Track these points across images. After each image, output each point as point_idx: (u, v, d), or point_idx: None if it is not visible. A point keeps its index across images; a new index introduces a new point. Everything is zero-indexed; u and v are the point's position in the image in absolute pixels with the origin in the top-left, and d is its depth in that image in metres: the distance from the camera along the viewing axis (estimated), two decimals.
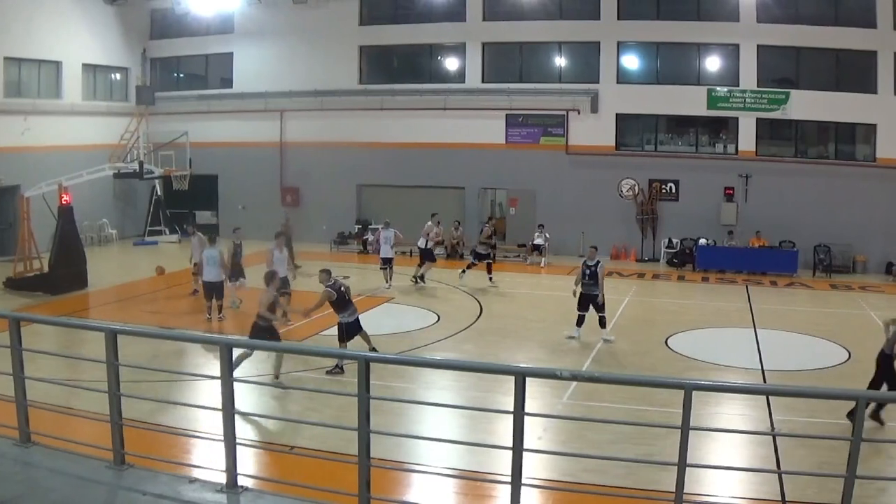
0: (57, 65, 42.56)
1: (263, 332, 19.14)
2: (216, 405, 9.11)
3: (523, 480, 8.25)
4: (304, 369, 20.42)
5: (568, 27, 41.99)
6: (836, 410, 16.34)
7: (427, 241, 34.26)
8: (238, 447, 9.15)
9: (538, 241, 39.34)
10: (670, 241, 40.98)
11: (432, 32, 44.27)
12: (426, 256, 34.22)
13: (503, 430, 8.97)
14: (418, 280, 33.63)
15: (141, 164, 41.03)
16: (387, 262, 33.21)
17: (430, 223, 34.98)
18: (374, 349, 20.95)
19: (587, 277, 24.89)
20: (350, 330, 20.85)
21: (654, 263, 40.71)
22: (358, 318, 21.12)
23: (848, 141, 41.36)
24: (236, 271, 28.76)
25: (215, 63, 48.50)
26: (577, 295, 24.95)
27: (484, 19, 43.23)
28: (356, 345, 20.64)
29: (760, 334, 25.89)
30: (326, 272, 20.81)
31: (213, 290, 26.80)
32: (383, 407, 15.01)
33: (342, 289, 20.74)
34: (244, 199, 46.22)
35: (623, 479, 13.54)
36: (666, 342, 24.81)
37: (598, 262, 25.25)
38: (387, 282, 32.69)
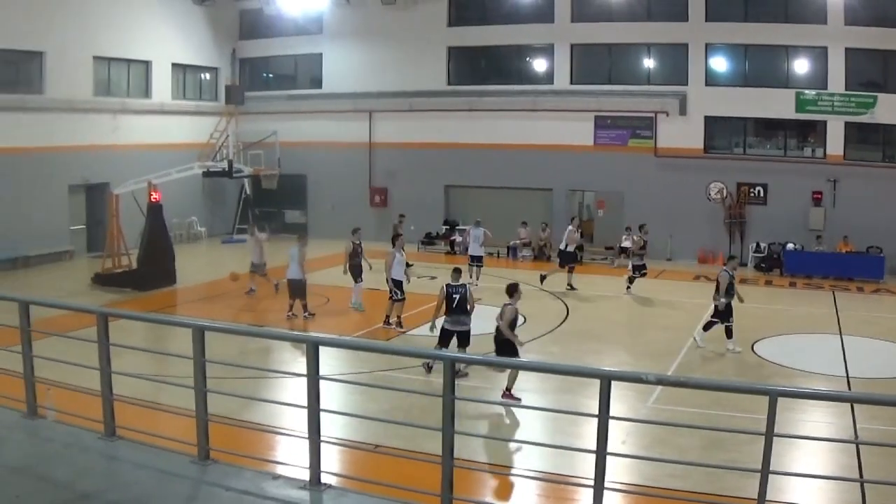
0: (146, 64, 43.44)
1: (505, 346, 19.00)
2: (301, 403, 9.20)
3: (606, 484, 8.27)
4: (389, 368, 20.58)
5: (656, 28, 41.77)
6: None
7: (567, 245, 34.00)
8: (322, 445, 9.22)
9: (625, 244, 39.22)
10: (758, 245, 40.63)
11: (520, 33, 44.28)
12: (567, 259, 33.98)
13: (587, 433, 9.02)
14: (571, 287, 33.45)
15: (230, 163, 41.51)
16: (475, 260, 33.72)
17: (570, 227, 34.62)
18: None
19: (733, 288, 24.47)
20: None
21: (742, 268, 40.30)
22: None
23: None
24: (356, 272, 28.84)
25: (304, 63, 48.98)
26: (723, 306, 24.37)
27: (572, 20, 43.10)
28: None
29: (846, 341, 25.65)
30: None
31: (294, 289, 27.10)
32: (469, 408, 15.14)
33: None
34: (333, 198, 46.68)
35: (706, 485, 13.53)
36: (752, 347, 24.66)
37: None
38: (472, 278, 32.84)
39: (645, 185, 41.60)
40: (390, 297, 26.21)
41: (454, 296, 20.66)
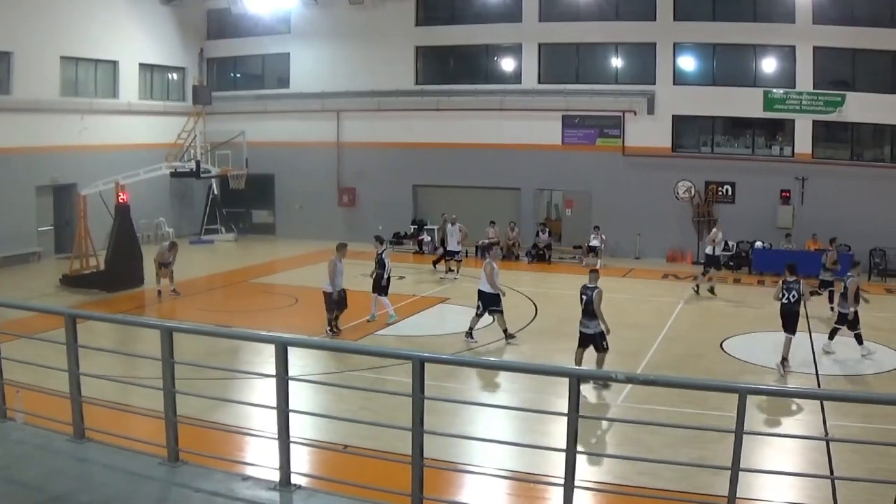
0: (114, 64, 43.24)
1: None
2: (271, 403, 9.19)
3: (576, 483, 8.26)
4: (358, 369, 20.54)
5: (624, 28, 41.92)
6: (890, 416, 16.30)
7: (714, 248, 33.98)
8: (292, 445, 9.23)
9: (594, 242, 39.30)
10: (726, 243, 40.74)
11: (488, 33, 44.34)
12: (712, 263, 33.90)
13: (557, 432, 9.02)
14: (712, 291, 33.60)
15: (198, 163, 41.31)
16: (452, 255, 35.23)
17: (714, 229, 34.67)
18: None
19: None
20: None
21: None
22: None
23: None
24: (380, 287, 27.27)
25: (272, 63, 48.94)
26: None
27: (540, 20, 43.23)
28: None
29: (816, 338, 25.77)
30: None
31: (338, 302, 25.38)
32: (437, 407, 15.10)
33: None
34: (301, 198, 46.66)
35: (676, 483, 13.57)
36: (721, 345, 24.75)
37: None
38: (451, 271, 33.22)
39: (613, 184, 41.71)
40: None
41: (582, 297, 20.85)
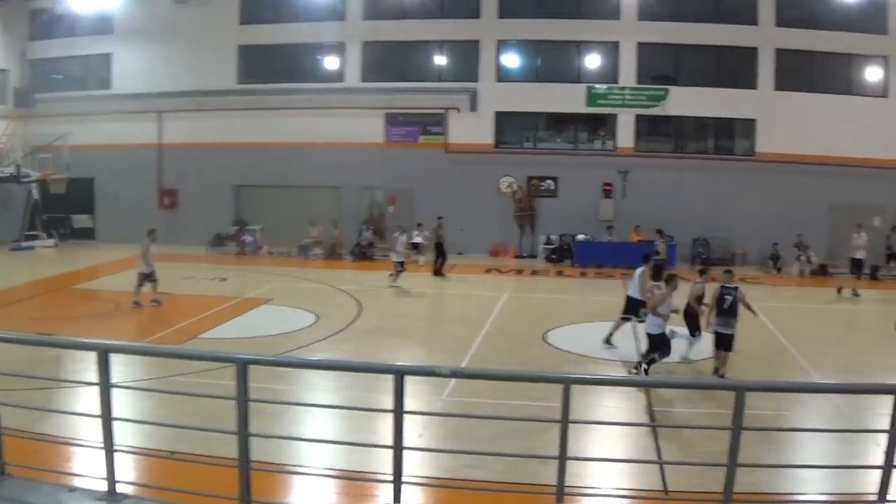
0: None
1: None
2: (96, 412, 8.91)
3: (404, 478, 8.23)
4: (184, 373, 20.11)
5: (448, 26, 42.21)
6: (714, 400, 16.61)
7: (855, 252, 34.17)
8: (118, 454, 9.00)
9: (417, 239, 39.33)
10: (549, 237, 41.34)
11: (312, 32, 44.13)
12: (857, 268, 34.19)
13: (384, 428, 8.92)
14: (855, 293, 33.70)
15: (18, 167, 40.10)
16: (398, 265, 33.40)
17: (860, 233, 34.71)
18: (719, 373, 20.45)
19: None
20: None
21: (533, 260, 41.07)
22: None
23: (727, 136, 42.74)
24: None
25: (94, 64, 47.67)
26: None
27: (364, 18, 43.17)
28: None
29: (638, 327, 26.20)
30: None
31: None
32: (264, 409, 14.84)
33: None
34: (121, 201, 45.49)
35: (504, 474, 13.53)
36: (544, 337, 24.96)
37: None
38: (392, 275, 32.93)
39: (436, 180, 41.91)
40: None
41: (726, 297, 20.29)
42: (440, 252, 35.89)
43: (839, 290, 33.64)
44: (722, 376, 19.82)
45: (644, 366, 20.23)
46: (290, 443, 14.53)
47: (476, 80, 42.50)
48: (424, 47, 43.92)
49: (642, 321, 22.92)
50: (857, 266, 33.96)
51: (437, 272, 35.66)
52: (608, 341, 23.94)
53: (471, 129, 42.22)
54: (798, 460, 15.32)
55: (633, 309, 24.13)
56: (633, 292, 24.36)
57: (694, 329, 21.97)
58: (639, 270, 24.38)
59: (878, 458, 8.61)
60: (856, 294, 33.41)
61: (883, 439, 8.56)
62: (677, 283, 20.99)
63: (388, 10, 43.03)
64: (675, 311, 21.11)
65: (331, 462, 14.53)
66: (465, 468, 13.77)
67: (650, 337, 20.30)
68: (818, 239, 40.24)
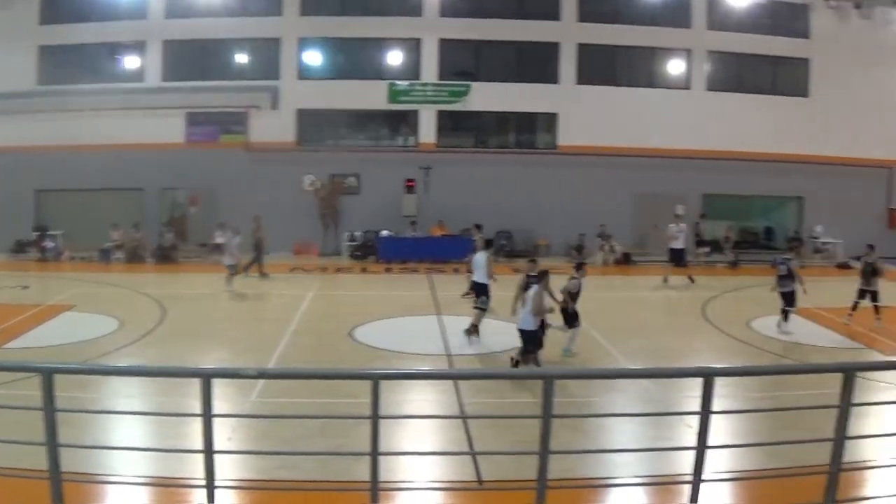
0: None
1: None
2: None
3: (217, 482, 8.17)
4: None
5: (249, 24, 41.76)
6: (523, 390, 16.91)
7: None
8: None
9: (220, 240, 38.76)
10: (353, 234, 41.41)
11: (113, 31, 42.84)
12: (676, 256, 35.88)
13: (195, 433, 8.82)
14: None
15: None
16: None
17: (671, 225, 36.03)
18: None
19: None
20: None
21: (338, 257, 41.06)
22: None
23: (529, 130, 43.70)
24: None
25: None
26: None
27: (165, 17, 42.35)
28: None
29: (445, 321, 26.48)
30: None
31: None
32: (71, 418, 14.48)
33: None
34: None
35: (317, 473, 13.53)
36: (351, 334, 25.01)
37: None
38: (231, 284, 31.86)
39: (239, 180, 41.49)
40: None
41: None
42: (258, 252, 35.57)
43: (665, 280, 35.03)
44: (518, 364, 20.35)
45: (516, 359, 20.60)
46: (102, 452, 14.24)
47: (278, 78, 42.22)
48: (226, 45, 43.25)
49: (483, 309, 23.55)
50: (675, 255, 35.38)
51: (263, 273, 35.34)
52: (469, 332, 24.15)
53: (273, 128, 41.89)
54: (611, 445, 15.79)
55: (482, 293, 24.65)
56: (479, 277, 24.86)
57: (568, 323, 22.57)
58: (481, 255, 24.96)
59: (691, 439, 8.91)
60: (692, 280, 35.15)
61: (694, 421, 8.90)
62: (549, 280, 21.46)
63: (190, 9, 42.12)
64: (551, 310, 21.57)
65: (144, 469, 14.30)
66: (278, 469, 13.70)
67: (524, 333, 20.65)
68: (622, 228, 41.56)
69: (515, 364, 20.42)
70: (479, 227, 35.54)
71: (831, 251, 43.14)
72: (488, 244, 26.56)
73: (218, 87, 41.80)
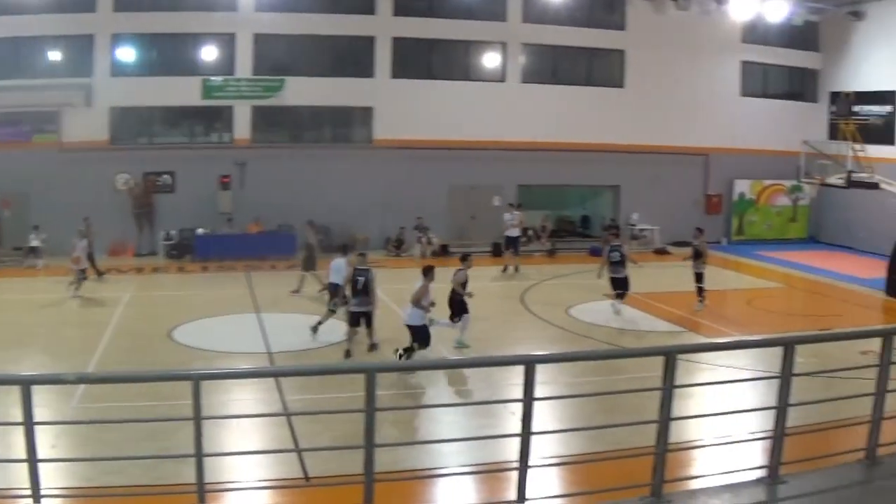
0: None
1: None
2: None
3: (42, 491, 8.17)
4: None
5: (62, 20, 40.56)
6: (349, 385, 17.20)
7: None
8: None
9: (34, 243, 37.92)
10: (168, 233, 40.97)
11: None
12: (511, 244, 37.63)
13: (18, 443, 8.78)
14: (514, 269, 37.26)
15: None
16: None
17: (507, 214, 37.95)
18: (374, 345, 22.30)
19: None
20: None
21: (154, 257, 40.51)
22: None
23: (345, 124, 43.77)
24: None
25: None
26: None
27: None
28: None
29: (265, 318, 26.59)
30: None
31: None
32: None
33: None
34: None
35: (143, 477, 13.58)
36: (170, 335, 24.92)
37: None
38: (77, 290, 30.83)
39: (52, 180, 40.28)
40: None
41: (359, 278, 22.57)
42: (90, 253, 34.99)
43: (504, 269, 36.44)
44: (401, 357, 20.87)
45: (401, 352, 20.97)
46: None
47: (91, 76, 41.30)
48: (38, 42, 41.77)
49: (333, 311, 23.83)
50: (511, 242, 36.81)
51: (99, 273, 34.74)
52: (315, 329, 24.60)
53: (86, 127, 40.80)
54: (438, 436, 16.20)
55: (335, 295, 25.00)
56: (335, 279, 25.16)
57: (455, 314, 23.34)
58: (339, 261, 25.19)
59: (516, 426, 9.16)
60: (516, 269, 36.89)
61: (517, 408, 9.18)
62: (434, 276, 21.90)
63: (4, 5, 40.88)
64: (433, 304, 21.84)
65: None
66: (104, 475, 13.68)
67: (412, 328, 20.94)
68: (439, 220, 42.16)
69: (400, 357, 20.77)
70: (311, 223, 35.12)
71: (648, 237, 44.70)
72: (343, 249, 26.66)
73: (29, 86, 40.70)
